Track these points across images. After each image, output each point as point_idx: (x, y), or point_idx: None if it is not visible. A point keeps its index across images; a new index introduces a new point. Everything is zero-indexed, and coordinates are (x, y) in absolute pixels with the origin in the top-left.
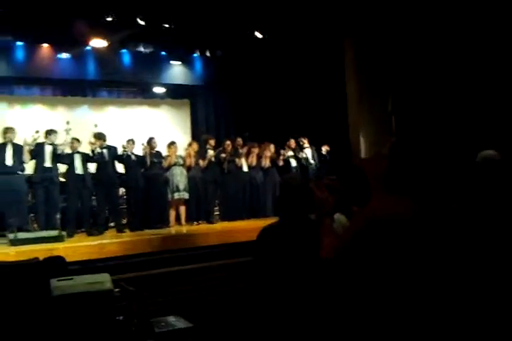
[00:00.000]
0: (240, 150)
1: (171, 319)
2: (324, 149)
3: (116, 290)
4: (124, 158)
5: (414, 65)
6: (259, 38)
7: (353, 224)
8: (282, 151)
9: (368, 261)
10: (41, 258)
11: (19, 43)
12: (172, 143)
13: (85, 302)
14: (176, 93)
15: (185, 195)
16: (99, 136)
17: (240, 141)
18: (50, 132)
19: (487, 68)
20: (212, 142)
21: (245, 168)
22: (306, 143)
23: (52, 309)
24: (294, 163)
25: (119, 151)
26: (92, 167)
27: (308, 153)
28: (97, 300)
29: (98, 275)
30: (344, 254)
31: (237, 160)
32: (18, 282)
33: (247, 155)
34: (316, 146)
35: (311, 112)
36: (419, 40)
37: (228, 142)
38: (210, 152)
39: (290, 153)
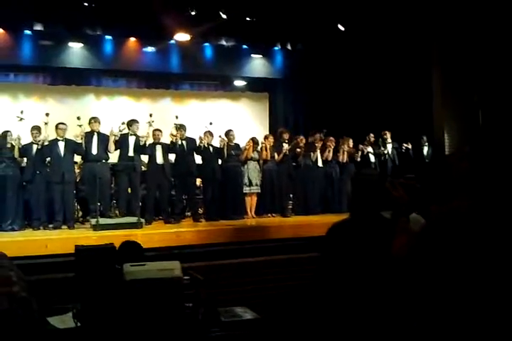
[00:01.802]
0: (316, 145)
1: (238, 309)
2: (405, 146)
3: (186, 277)
4: (202, 150)
5: (500, 59)
6: (341, 31)
7: (427, 224)
8: (361, 146)
9: (436, 260)
10: (118, 243)
11: (107, 37)
12: (253, 138)
13: (155, 288)
14: (255, 86)
15: (257, 190)
16: (181, 128)
17: (316, 135)
18: (131, 122)
19: None
20: (286, 136)
21: (320, 163)
22: (388, 137)
23: (124, 292)
24: (372, 158)
25: (197, 143)
26: (172, 157)
27: (389, 148)
28: (166, 287)
29: (169, 263)
30: (414, 253)
31: (311, 154)
32: (94, 265)
33: (323, 149)
34: (398, 143)
35: (394, 108)
36: (504, 33)
37: (302, 137)
38: (285, 145)
39: (369, 148)
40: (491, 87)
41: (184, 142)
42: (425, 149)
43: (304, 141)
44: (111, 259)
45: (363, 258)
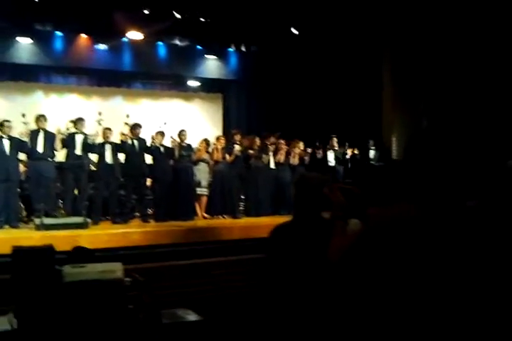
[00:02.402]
0: (269, 147)
1: (181, 311)
2: (350, 152)
3: (127, 279)
4: (153, 150)
5: (447, 69)
6: (295, 35)
7: (362, 227)
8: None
9: (370, 264)
10: (62, 244)
11: (58, 33)
12: (205, 140)
13: (95, 290)
14: (209, 87)
15: (205, 192)
16: (136, 126)
17: (270, 138)
18: (77, 121)
19: None
20: (238, 137)
21: (272, 165)
22: (335, 142)
23: (62, 295)
24: (332, 162)
25: (148, 143)
26: (122, 157)
27: (331, 154)
28: (107, 289)
29: (110, 264)
30: (348, 256)
31: (264, 156)
32: (32, 266)
33: (276, 152)
34: (344, 148)
35: (344, 111)
36: (454, 43)
37: (256, 138)
38: (237, 147)
39: (330, 151)
40: (437, 96)
41: (136, 141)
42: (371, 153)
43: (257, 142)
44: (49, 261)
45: (302, 259)
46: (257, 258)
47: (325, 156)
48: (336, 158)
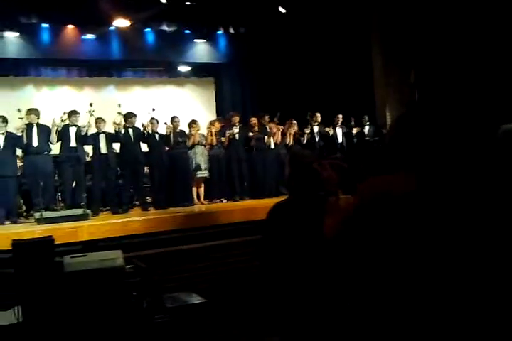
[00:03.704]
0: (269, 129)
1: (184, 295)
2: (355, 129)
3: (129, 266)
4: (147, 137)
5: (437, 39)
6: (283, 13)
7: (353, 201)
8: (326, 128)
9: (367, 237)
10: (64, 236)
11: (44, 25)
12: (193, 122)
13: (97, 279)
14: (200, 71)
15: (206, 174)
16: (129, 115)
17: (267, 118)
18: (71, 113)
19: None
20: (236, 119)
21: (273, 146)
22: (317, 118)
23: (64, 285)
24: (340, 139)
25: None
26: (117, 146)
27: (316, 131)
28: (109, 277)
29: (110, 252)
30: (345, 231)
31: (266, 137)
32: (33, 259)
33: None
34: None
35: (336, 88)
36: (443, 13)
37: (254, 119)
38: (235, 130)
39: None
40: (428, 68)
41: (130, 130)
42: (366, 128)
43: (256, 123)
44: (49, 252)
45: (299, 237)
46: (257, 239)
47: (334, 134)
48: (344, 135)
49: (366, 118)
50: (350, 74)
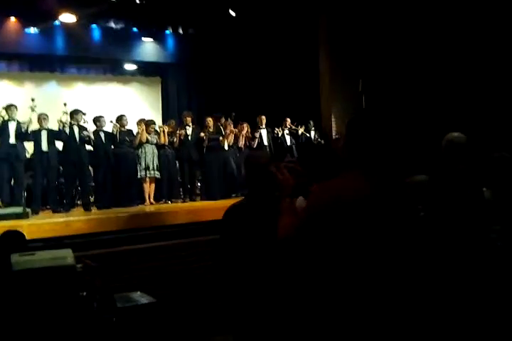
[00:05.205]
0: (225, 130)
1: (134, 295)
2: (300, 131)
3: (79, 265)
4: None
5: (385, 46)
6: (232, 16)
7: (307, 202)
8: (276, 129)
9: (320, 239)
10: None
11: None
12: (141, 121)
13: (47, 278)
14: (147, 70)
15: (156, 174)
16: (76, 112)
17: (223, 120)
18: (8, 107)
19: (454, 49)
20: (189, 120)
21: (226, 147)
22: (263, 123)
23: (12, 284)
24: (288, 141)
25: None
26: (60, 144)
27: (263, 133)
28: (59, 276)
29: (60, 251)
30: (299, 233)
31: (220, 138)
32: None
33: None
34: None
35: (284, 91)
36: (391, 22)
37: (210, 120)
38: (187, 130)
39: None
40: (375, 74)
41: (75, 128)
42: (312, 133)
43: (211, 123)
44: (19, 246)
45: (255, 238)
46: (204, 240)
47: (282, 136)
48: (292, 138)
49: (312, 123)
50: (297, 78)
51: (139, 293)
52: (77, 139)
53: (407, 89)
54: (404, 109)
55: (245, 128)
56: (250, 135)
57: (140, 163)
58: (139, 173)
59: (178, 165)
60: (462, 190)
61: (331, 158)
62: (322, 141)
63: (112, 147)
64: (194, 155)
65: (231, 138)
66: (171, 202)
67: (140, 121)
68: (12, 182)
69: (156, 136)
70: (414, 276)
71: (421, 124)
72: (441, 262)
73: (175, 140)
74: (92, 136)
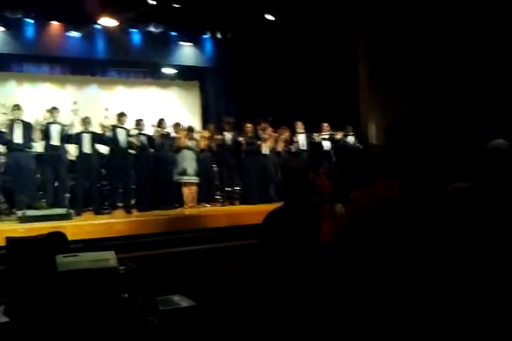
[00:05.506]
0: (263, 135)
1: (175, 298)
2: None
3: (122, 267)
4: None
5: (425, 51)
6: (270, 21)
7: (348, 209)
8: (315, 134)
9: (362, 245)
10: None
11: (29, 20)
12: (177, 125)
13: (90, 279)
14: (185, 74)
15: (194, 179)
16: (121, 115)
17: (262, 124)
18: (52, 110)
19: (498, 54)
20: (227, 124)
21: (264, 152)
22: (300, 128)
23: (57, 284)
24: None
25: (130, 132)
26: (102, 147)
27: (301, 139)
28: (102, 277)
29: (103, 253)
30: (340, 239)
31: (258, 143)
32: (27, 257)
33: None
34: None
35: (322, 96)
36: (431, 26)
37: (249, 125)
38: (227, 134)
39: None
40: (416, 79)
41: (120, 130)
42: (350, 138)
43: (251, 129)
44: (43, 251)
45: (295, 243)
46: (244, 244)
47: (320, 141)
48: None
49: (350, 128)
50: (335, 83)
51: (178, 296)
52: (122, 143)
53: (447, 95)
54: (445, 115)
55: (285, 132)
56: (290, 139)
57: (177, 167)
58: (174, 177)
59: (216, 169)
60: (505, 197)
61: (369, 164)
62: (360, 147)
63: (152, 150)
64: (232, 159)
65: (270, 142)
66: (210, 205)
67: (176, 125)
68: (56, 184)
69: (195, 142)
70: (455, 280)
71: (462, 131)
72: (484, 269)
73: (213, 144)
74: (136, 141)
